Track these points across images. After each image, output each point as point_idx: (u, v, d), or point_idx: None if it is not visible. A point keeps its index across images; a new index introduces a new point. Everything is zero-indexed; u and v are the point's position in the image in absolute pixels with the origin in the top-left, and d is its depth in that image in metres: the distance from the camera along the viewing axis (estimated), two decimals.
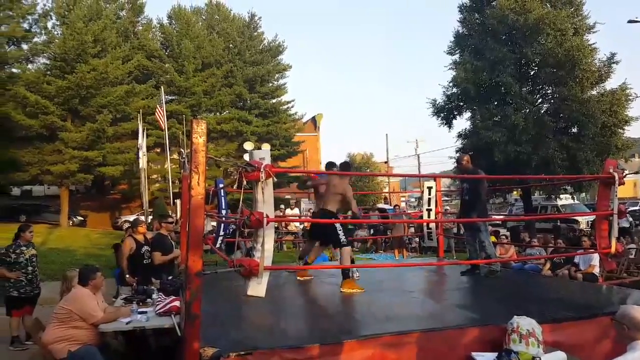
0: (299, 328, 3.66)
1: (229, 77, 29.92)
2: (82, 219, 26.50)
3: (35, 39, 22.54)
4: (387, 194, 32.91)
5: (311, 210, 9.88)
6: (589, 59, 16.17)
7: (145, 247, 6.64)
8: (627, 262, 9.13)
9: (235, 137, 29.51)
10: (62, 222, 22.77)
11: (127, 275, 6.46)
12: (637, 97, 16.55)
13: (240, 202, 3.46)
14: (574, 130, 16.74)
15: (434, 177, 9.13)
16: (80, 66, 21.30)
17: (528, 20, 16.16)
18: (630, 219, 15.91)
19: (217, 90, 29.13)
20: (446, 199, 33.67)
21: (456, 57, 18.61)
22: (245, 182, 3.48)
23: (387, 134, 48.53)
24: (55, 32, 23.15)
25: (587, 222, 19.46)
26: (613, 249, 4.64)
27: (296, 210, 16.32)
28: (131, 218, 25.86)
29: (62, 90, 21.21)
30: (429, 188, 7.70)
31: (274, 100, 32.14)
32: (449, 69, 18.43)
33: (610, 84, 16.74)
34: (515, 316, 3.58)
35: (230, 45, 30.80)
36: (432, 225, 8.04)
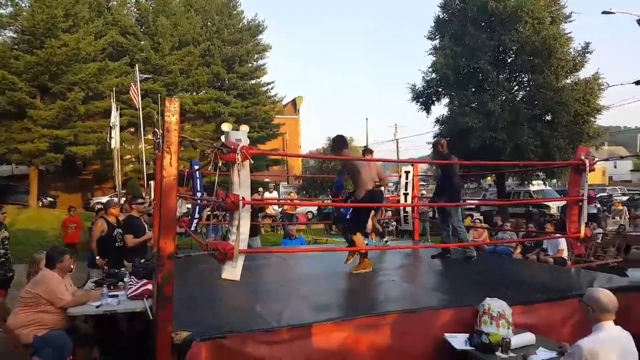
0: (274, 311, 3.64)
1: (206, 56, 29.37)
2: (52, 200, 25.84)
3: (1, 11, 21.66)
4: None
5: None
6: (564, 48, 16.43)
7: (118, 230, 6.52)
8: (594, 246, 9.39)
9: (212, 118, 29.10)
10: (31, 203, 22.17)
11: (97, 257, 6.35)
12: (608, 86, 16.91)
13: (216, 184, 3.39)
14: (548, 117, 17.04)
15: (412, 162, 9.16)
16: (50, 41, 20.53)
17: (507, 7, 16.28)
18: (599, 205, 16.36)
19: (194, 70, 28.58)
20: (423, 183, 33.99)
21: (436, 42, 18.68)
22: (221, 164, 3.41)
23: (367, 119, 48.67)
24: (23, 4, 22.22)
25: (558, 207, 19.96)
26: (582, 234, 4.74)
27: (275, 194, 16.21)
28: (104, 199, 25.41)
29: (30, 65, 20.45)
30: (407, 172, 7.75)
31: (253, 81, 31.71)
32: (429, 54, 18.49)
33: (584, 73, 17.06)
34: (487, 298, 3.64)
35: (209, 23, 30.19)
36: (409, 209, 8.10)
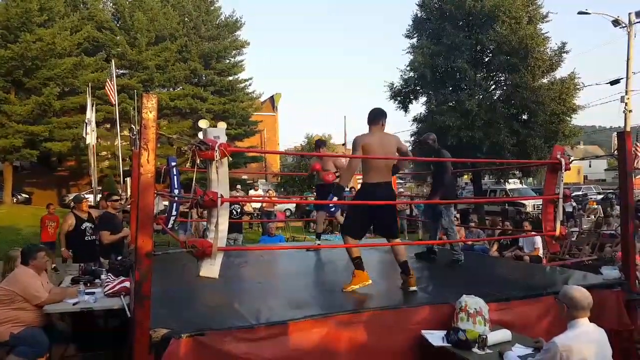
0: (253, 308, 3.63)
1: (183, 52, 29.01)
2: (27, 196, 25.32)
3: None
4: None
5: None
6: (541, 47, 16.70)
7: (87, 224, 6.48)
8: (569, 244, 9.60)
9: (189, 115, 28.78)
10: (5, 200, 21.68)
11: (63, 249, 6.32)
12: (584, 86, 17.26)
13: (194, 182, 3.37)
14: (525, 117, 17.32)
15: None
16: (24, 35, 20.07)
17: (484, 6, 16.46)
18: (574, 204, 16.71)
19: (171, 65, 28.20)
20: (400, 181, 34.25)
21: (414, 40, 18.78)
22: (199, 161, 3.38)
23: (345, 116, 48.71)
24: None
25: (533, 205, 20.35)
26: (557, 232, 4.82)
27: (260, 192, 16.17)
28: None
29: (4, 60, 19.96)
30: None
31: (230, 78, 31.41)
32: (407, 52, 18.60)
33: (560, 72, 17.38)
34: (464, 295, 3.68)
35: (186, 19, 29.81)
36: None
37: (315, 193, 7.53)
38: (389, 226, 4.49)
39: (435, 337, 3.45)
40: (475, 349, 3.25)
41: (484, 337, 3.28)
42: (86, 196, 6.98)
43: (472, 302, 3.58)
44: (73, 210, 6.86)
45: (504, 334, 3.45)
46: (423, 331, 3.55)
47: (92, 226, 6.62)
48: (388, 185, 4.47)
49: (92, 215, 6.77)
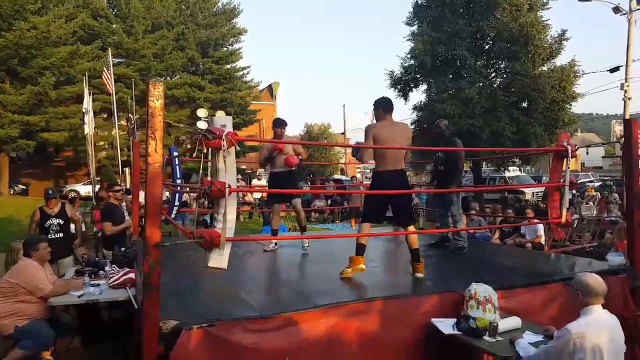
0: (261, 298, 3.62)
1: (180, 40, 28.79)
2: (24, 187, 25.23)
3: None
4: (344, 165, 33.10)
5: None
6: (541, 35, 16.58)
7: (55, 221, 6.18)
8: (570, 231, 9.60)
9: (187, 104, 28.64)
10: (2, 191, 21.59)
11: None
12: (584, 74, 17.17)
13: (200, 171, 3.33)
14: (524, 104, 17.23)
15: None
16: (18, 23, 19.85)
17: None
18: (573, 191, 16.70)
19: (168, 54, 28.01)
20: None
21: (415, 28, 18.64)
22: (205, 151, 3.34)
23: (344, 105, 48.45)
24: None
25: (532, 193, 20.37)
26: (563, 219, 4.81)
27: (263, 181, 16.09)
28: (77, 187, 24.91)
29: None
30: None
31: (228, 66, 31.23)
32: (407, 40, 18.46)
33: (560, 60, 17.28)
34: (473, 283, 3.67)
35: (183, 6, 29.56)
36: None
37: (270, 183, 6.08)
38: (403, 214, 4.59)
39: (446, 325, 3.44)
40: (486, 337, 3.24)
41: (495, 324, 3.27)
42: (52, 191, 6.58)
43: (481, 289, 3.56)
44: (42, 206, 6.47)
45: (514, 322, 3.45)
46: (433, 319, 3.54)
47: (62, 222, 6.26)
48: (399, 173, 4.48)
49: (65, 211, 6.42)
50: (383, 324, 3.49)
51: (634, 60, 17.73)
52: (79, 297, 4.27)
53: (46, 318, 4.28)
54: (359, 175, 24.32)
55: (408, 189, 4.94)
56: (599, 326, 2.79)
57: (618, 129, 20.50)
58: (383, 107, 4.46)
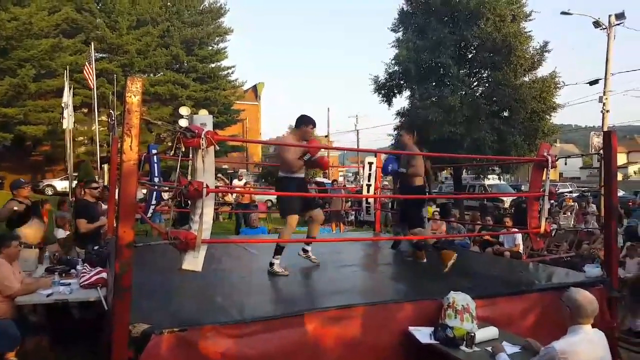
0: (238, 303, 3.53)
1: (165, 37, 28.48)
2: None
3: None
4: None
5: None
6: (524, 45, 16.77)
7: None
8: (547, 240, 9.70)
9: (169, 101, 28.32)
10: None
11: None
12: (564, 85, 17.43)
13: (177, 170, 3.23)
14: (505, 114, 17.40)
15: (375, 152, 9.11)
16: None
17: (470, 3, 16.46)
18: (552, 201, 16.91)
19: (152, 50, 27.68)
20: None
21: (400, 34, 18.71)
22: (183, 149, 3.25)
23: (328, 108, 48.62)
24: None
25: (511, 201, 20.60)
26: (542, 229, 4.82)
27: (244, 181, 15.93)
28: (54, 182, 24.38)
29: None
30: (370, 164, 7.72)
31: (213, 65, 31.00)
32: (392, 46, 18.52)
33: (541, 71, 17.51)
34: (451, 291, 3.64)
35: (168, 3, 29.28)
36: (371, 200, 8.10)
37: (291, 189, 4.98)
38: (409, 217, 5.55)
39: (422, 334, 3.40)
40: (462, 347, 3.21)
41: (472, 334, 3.24)
42: (22, 180, 6.29)
43: (459, 298, 3.54)
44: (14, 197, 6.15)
45: (491, 332, 3.42)
46: (410, 327, 3.50)
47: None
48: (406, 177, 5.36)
49: (28, 205, 6.12)
50: (362, 331, 3.44)
51: (612, 74, 18.08)
52: (47, 296, 4.12)
53: (13, 318, 4.12)
54: (341, 179, 24.31)
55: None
56: (586, 347, 2.72)
57: (596, 140, 20.80)
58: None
